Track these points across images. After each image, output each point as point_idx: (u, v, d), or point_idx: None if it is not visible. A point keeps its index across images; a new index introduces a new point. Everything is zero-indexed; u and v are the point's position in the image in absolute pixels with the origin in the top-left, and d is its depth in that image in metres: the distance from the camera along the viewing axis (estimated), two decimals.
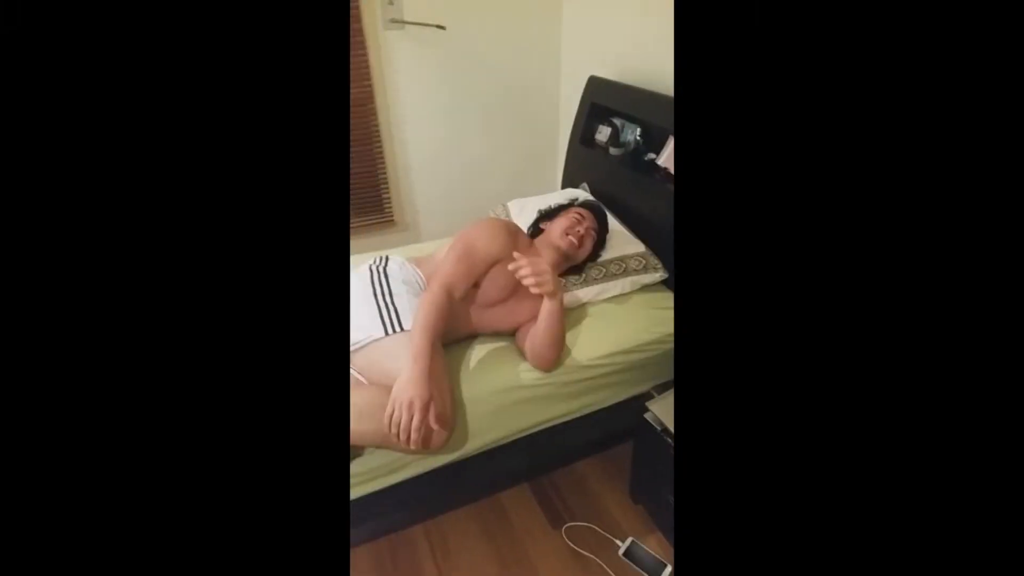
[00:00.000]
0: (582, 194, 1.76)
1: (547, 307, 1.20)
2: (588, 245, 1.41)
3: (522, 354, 1.28)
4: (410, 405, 0.97)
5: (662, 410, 1.22)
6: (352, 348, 1.13)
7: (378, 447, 1.10)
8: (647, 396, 1.32)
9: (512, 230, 1.37)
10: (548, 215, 1.49)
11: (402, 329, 1.12)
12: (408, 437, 0.97)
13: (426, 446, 1.01)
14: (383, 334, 1.11)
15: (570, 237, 1.36)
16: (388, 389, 1.05)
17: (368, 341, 1.11)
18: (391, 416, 0.98)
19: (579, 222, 1.40)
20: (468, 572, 1.30)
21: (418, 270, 1.34)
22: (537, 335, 1.22)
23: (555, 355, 1.25)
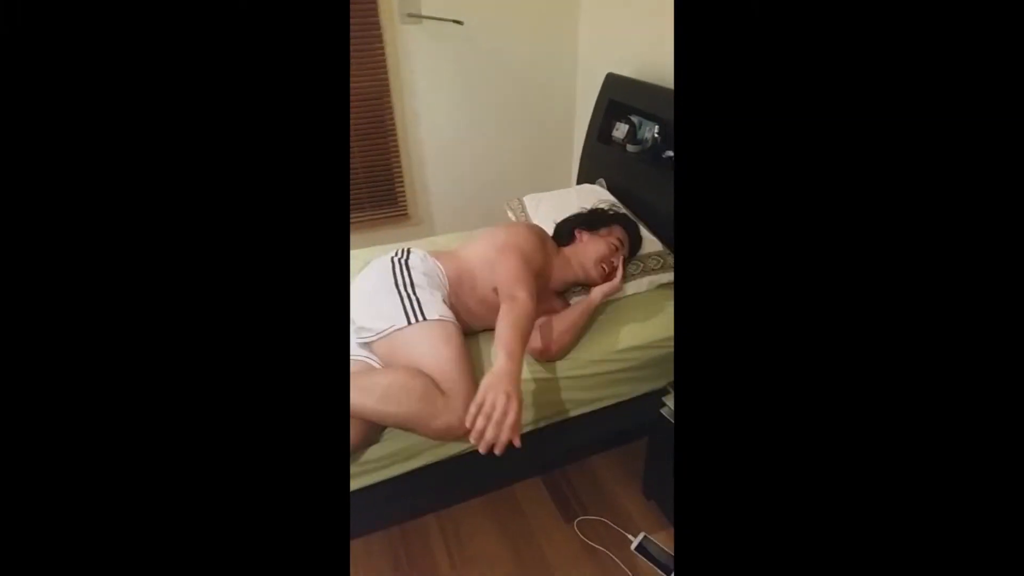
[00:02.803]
0: (606, 195, 1.76)
1: (586, 301, 1.33)
2: (623, 272, 1.42)
3: (529, 344, 1.28)
4: (507, 398, 0.90)
5: None
6: (374, 337, 1.14)
7: (401, 429, 1.11)
8: (663, 392, 1.32)
9: (545, 239, 1.39)
10: (588, 223, 1.47)
11: (424, 319, 1.12)
12: (495, 433, 0.88)
13: (496, 448, 0.91)
14: (405, 323, 1.11)
15: (603, 266, 1.38)
16: (416, 372, 1.06)
17: (391, 330, 1.12)
18: (480, 405, 0.90)
19: (616, 251, 1.40)
20: (481, 563, 1.30)
21: (438, 263, 1.34)
22: (561, 321, 1.28)
23: (570, 343, 1.28)
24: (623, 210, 1.58)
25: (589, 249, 1.39)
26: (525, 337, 1.05)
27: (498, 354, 0.99)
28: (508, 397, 0.90)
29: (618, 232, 1.44)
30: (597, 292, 1.35)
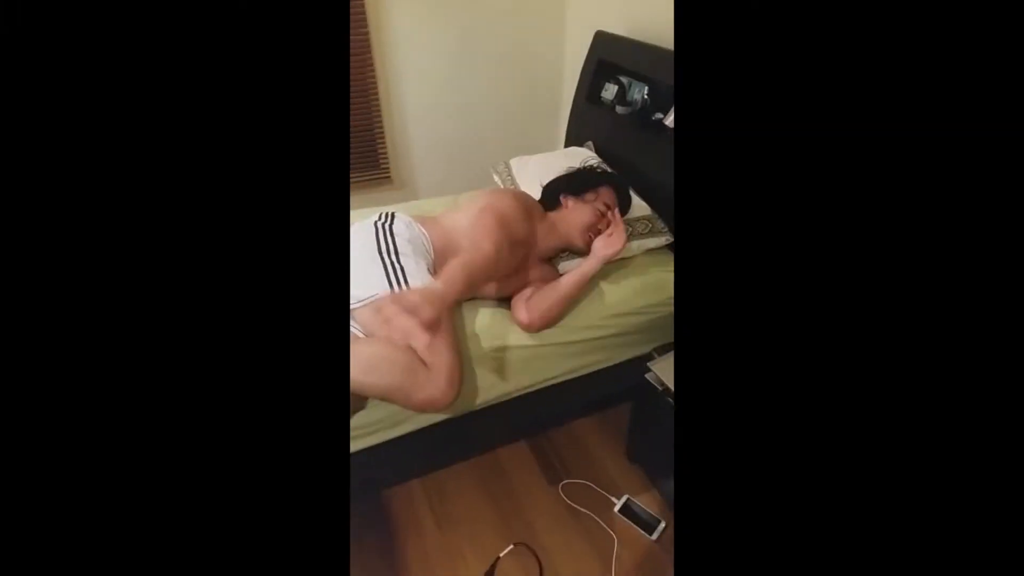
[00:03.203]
0: (592, 156, 1.71)
1: (579, 271, 1.27)
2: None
3: (515, 315, 1.27)
4: (413, 306, 0.85)
5: (663, 370, 1.23)
6: (357, 304, 1.11)
7: (382, 400, 1.10)
8: (648, 357, 1.32)
9: (530, 206, 1.34)
10: (573, 187, 1.40)
11: (408, 287, 1.10)
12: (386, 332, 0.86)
13: (413, 337, 0.87)
14: (389, 292, 1.09)
15: (589, 235, 1.33)
16: (396, 344, 1.03)
17: (373, 298, 1.09)
18: (386, 306, 0.86)
19: (602, 218, 1.34)
20: (466, 524, 1.32)
21: (423, 229, 1.30)
22: (550, 293, 1.24)
23: (558, 316, 1.26)
24: (610, 171, 1.54)
25: (574, 216, 1.35)
26: (469, 279, 1.02)
27: (435, 280, 0.97)
28: (415, 305, 0.85)
29: (605, 196, 1.39)
30: (594, 260, 1.28)
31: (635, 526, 1.30)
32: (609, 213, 1.36)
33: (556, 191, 1.43)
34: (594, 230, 1.34)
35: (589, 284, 1.38)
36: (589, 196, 1.38)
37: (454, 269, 1.01)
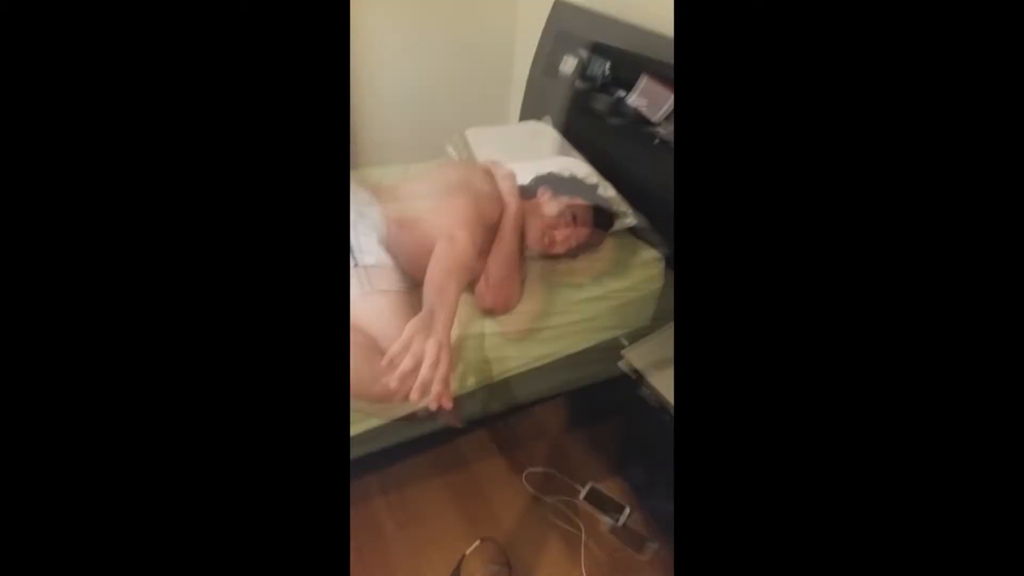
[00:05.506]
0: (553, 133, 1.63)
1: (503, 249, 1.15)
2: (561, 250, 1.26)
3: (478, 301, 1.19)
4: (439, 347, 0.75)
5: (636, 358, 1.20)
6: None
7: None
8: (616, 344, 1.30)
9: (497, 198, 1.23)
10: (555, 184, 1.30)
11: (356, 264, 0.99)
12: (429, 375, 0.73)
13: (442, 405, 0.76)
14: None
15: (546, 239, 1.24)
16: (357, 333, 0.93)
17: None
18: (407, 346, 0.74)
19: (565, 226, 1.23)
20: (427, 522, 1.26)
21: (374, 199, 1.18)
22: (490, 273, 1.15)
23: (511, 292, 1.19)
24: (607, 193, 1.41)
25: (540, 211, 1.24)
26: (459, 282, 0.92)
27: (427, 297, 0.86)
28: (439, 346, 0.76)
29: (580, 206, 1.26)
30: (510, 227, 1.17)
31: (600, 512, 1.29)
32: (572, 223, 1.24)
33: (538, 183, 1.32)
34: (549, 235, 1.24)
35: (552, 272, 1.33)
36: (565, 198, 1.27)
37: (441, 277, 0.89)
